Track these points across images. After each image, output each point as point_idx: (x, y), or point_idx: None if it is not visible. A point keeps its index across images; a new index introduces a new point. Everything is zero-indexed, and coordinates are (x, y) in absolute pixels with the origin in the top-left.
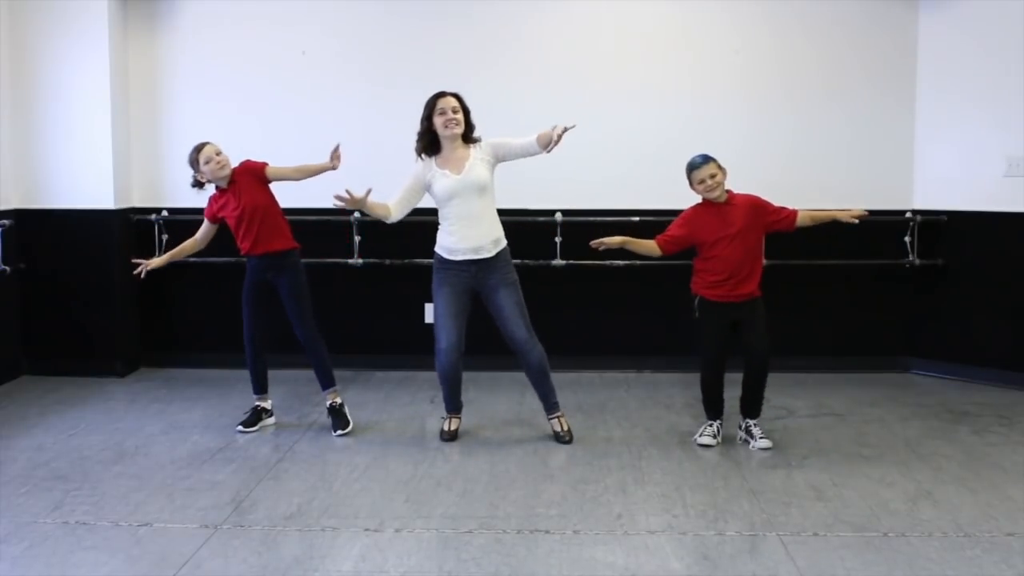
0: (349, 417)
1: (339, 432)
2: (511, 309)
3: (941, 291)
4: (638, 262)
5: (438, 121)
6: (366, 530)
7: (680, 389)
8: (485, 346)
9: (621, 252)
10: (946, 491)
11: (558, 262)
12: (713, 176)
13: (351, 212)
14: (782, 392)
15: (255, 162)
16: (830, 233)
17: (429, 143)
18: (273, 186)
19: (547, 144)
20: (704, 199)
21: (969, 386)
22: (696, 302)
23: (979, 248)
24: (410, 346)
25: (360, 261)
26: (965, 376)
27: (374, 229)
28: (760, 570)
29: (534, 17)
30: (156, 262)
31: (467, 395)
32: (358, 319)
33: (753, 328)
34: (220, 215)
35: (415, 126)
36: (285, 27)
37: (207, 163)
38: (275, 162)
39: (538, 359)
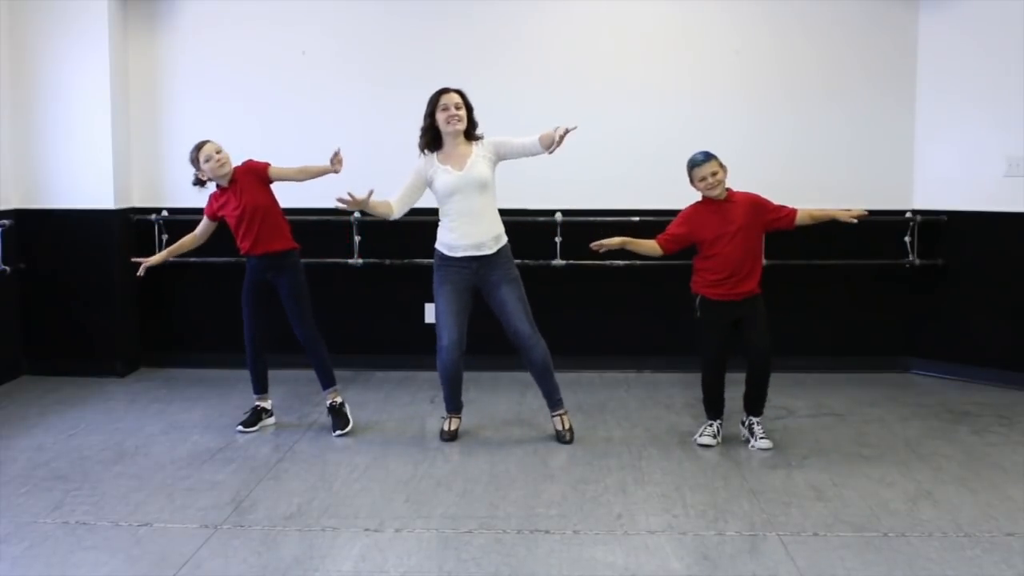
0: (349, 416)
1: (339, 432)
2: (514, 305)
3: (941, 291)
4: (638, 262)
5: (441, 117)
6: (366, 530)
7: (680, 389)
8: (486, 346)
9: (621, 252)
10: (946, 491)
11: (558, 262)
12: (714, 174)
13: (351, 212)
14: (782, 392)
15: (257, 162)
16: (830, 233)
17: (432, 139)
18: (274, 186)
19: (549, 145)
20: (704, 197)
21: (969, 386)
22: (697, 301)
23: (979, 248)
24: (410, 346)
25: (360, 261)
26: (965, 376)
27: (374, 229)
28: (760, 570)
29: (534, 17)
30: (154, 259)
31: (467, 395)
32: (358, 319)
33: (754, 326)
34: (220, 214)
35: (415, 126)
36: (285, 27)
37: (207, 161)
38: (275, 162)
39: (542, 355)
